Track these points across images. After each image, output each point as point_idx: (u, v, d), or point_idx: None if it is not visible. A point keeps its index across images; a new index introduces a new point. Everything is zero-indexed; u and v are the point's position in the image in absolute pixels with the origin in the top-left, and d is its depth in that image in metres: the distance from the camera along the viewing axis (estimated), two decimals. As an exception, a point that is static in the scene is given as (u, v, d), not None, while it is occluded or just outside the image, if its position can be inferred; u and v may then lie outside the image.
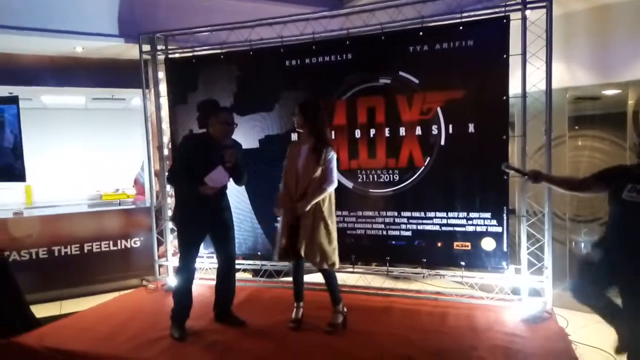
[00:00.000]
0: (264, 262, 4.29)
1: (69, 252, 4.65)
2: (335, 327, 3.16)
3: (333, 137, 3.87)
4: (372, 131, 3.83)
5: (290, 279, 4.36)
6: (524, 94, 3.44)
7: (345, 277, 4.12)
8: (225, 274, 3.36)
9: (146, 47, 4.47)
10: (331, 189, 3.07)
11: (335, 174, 3.07)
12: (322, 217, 3.04)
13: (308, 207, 2.98)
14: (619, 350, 2.69)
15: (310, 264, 3.12)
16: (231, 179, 3.24)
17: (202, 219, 3.18)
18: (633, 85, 3.69)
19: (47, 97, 6.34)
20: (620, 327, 2.64)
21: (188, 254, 3.22)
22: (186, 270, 3.21)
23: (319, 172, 3.02)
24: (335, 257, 3.13)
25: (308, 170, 3.04)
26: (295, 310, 3.30)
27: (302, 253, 3.02)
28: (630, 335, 2.58)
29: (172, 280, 4.30)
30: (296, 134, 4.04)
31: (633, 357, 2.58)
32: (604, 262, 2.62)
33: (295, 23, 4.09)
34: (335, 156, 3.10)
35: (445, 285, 4.25)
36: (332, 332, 3.13)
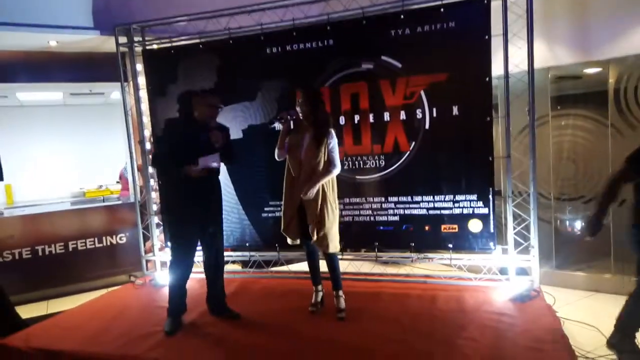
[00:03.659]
0: (252, 253, 4.27)
1: (53, 251, 4.57)
2: (344, 311, 3.16)
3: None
4: (357, 117, 3.81)
5: (279, 268, 4.40)
6: (507, 75, 3.45)
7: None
8: (215, 266, 3.31)
9: (122, 39, 4.36)
10: (336, 173, 3.10)
11: (338, 158, 3.11)
12: (326, 201, 3.06)
13: (315, 190, 3.00)
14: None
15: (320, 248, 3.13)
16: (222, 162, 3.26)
17: (192, 211, 3.10)
18: (614, 63, 3.71)
19: (23, 94, 6.19)
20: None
21: (180, 247, 3.17)
22: (178, 264, 3.17)
23: (320, 158, 3.03)
24: (337, 241, 3.16)
25: (310, 157, 3.04)
26: (314, 294, 3.34)
27: (314, 237, 3.04)
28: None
29: (160, 275, 4.26)
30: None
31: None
32: None
33: (275, 10, 4.02)
34: (336, 140, 3.11)
35: (433, 268, 4.28)
36: (344, 317, 3.13)
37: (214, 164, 3.11)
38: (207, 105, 3.11)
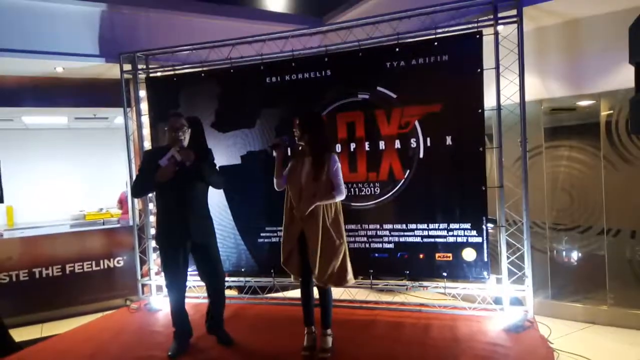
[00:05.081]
0: (248, 279, 4.28)
1: (50, 274, 4.58)
2: (330, 352, 3.00)
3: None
4: (353, 145, 3.88)
5: (274, 295, 4.39)
6: (499, 107, 3.53)
7: (330, 292, 4.12)
8: (213, 291, 3.32)
9: (127, 67, 4.50)
10: (340, 198, 2.96)
11: (342, 183, 2.96)
12: (327, 231, 2.92)
13: (310, 208, 2.87)
14: None
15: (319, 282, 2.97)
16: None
17: (175, 231, 3.12)
18: (605, 96, 3.79)
19: (28, 118, 6.30)
20: None
21: (166, 270, 3.22)
22: (168, 287, 3.24)
23: (321, 183, 2.92)
24: (347, 274, 3.01)
25: (311, 182, 2.93)
26: (306, 336, 3.12)
27: (315, 272, 2.91)
28: None
29: (155, 300, 4.26)
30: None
31: None
32: None
33: (275, 41, 4.16)
34: (340, 165, 2.99)
35: (428, 296, 4.26)
36: (328, 357, 2.96)
37: (175, 157, 3.01)
38: (168, 130, 3.17)
